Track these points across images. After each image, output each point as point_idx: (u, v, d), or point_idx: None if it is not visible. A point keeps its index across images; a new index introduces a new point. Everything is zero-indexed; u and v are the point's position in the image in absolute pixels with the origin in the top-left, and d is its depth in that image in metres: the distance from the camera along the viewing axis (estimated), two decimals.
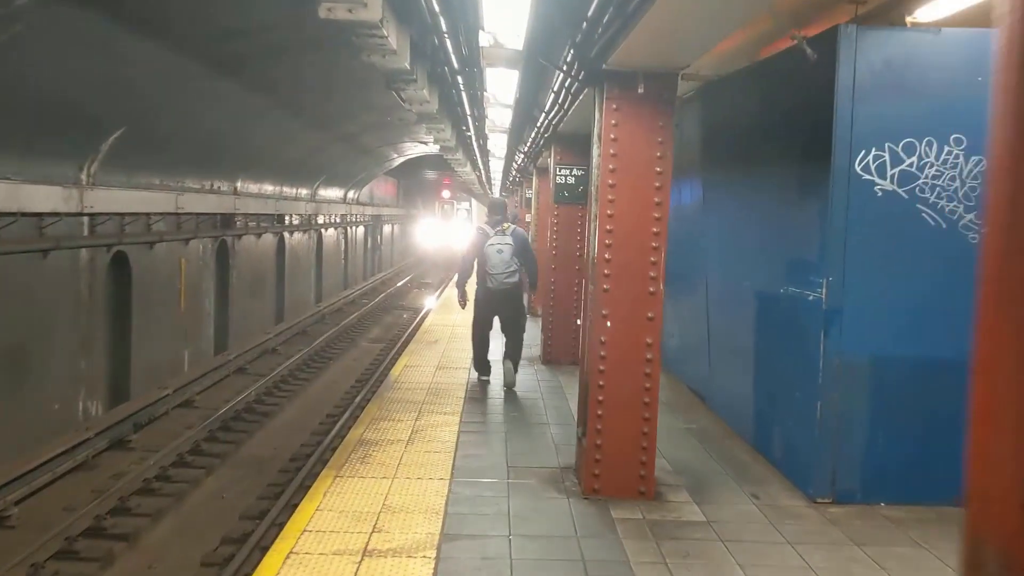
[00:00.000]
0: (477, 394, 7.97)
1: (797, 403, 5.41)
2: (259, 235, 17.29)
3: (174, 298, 12.91)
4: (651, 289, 4.64)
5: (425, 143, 20.82)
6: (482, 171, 25.57)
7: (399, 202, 36.94)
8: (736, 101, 6.73)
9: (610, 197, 4.66)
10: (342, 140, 18.82)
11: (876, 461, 5.12)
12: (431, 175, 36.97)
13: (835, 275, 4.81)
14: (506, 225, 7.95)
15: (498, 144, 15.84)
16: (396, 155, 25.07)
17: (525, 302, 8.61)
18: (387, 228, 35.59)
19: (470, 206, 40.77)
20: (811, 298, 5.03)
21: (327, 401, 13.00)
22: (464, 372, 8.91)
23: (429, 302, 24.13)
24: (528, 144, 11.64)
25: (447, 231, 38.99)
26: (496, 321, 8.35)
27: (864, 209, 4.77)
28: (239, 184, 15.41)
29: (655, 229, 4.64)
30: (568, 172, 8.95)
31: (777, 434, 5.88)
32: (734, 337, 6.80)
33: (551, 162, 9.28)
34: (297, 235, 20.71)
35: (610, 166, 4.65)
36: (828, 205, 4.79)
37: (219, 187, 14.46)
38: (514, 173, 20.35)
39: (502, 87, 10.82)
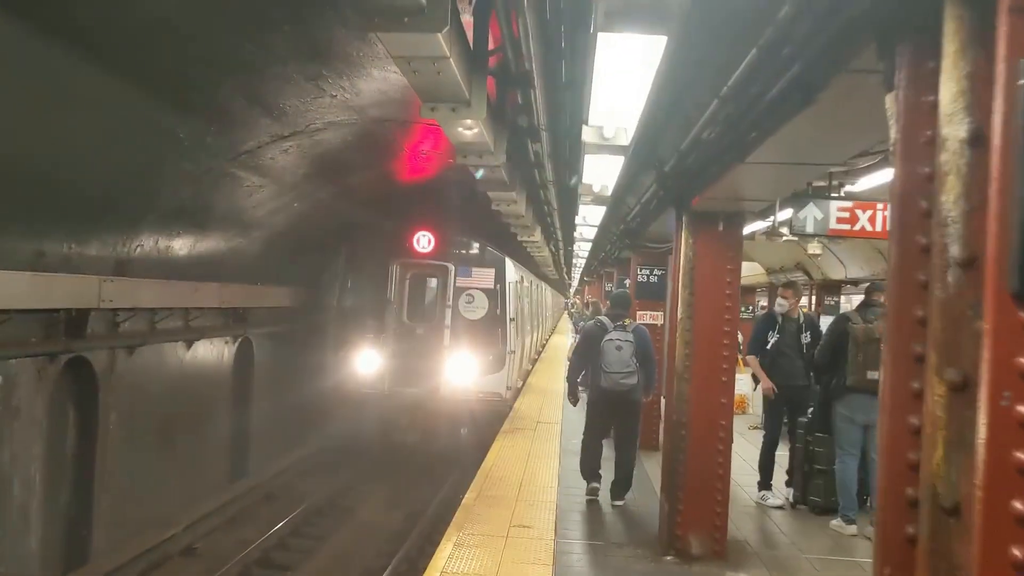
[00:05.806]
0: None
1: None
2: (190, 342, 10.04)
3: None
4: None
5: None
6: (559, 238, 17.24)
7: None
8: None
9: None
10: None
11: None
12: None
13: None
14: (627, 320, 7.38)
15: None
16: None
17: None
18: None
19: (504, 287, 12.01)
20: None
21: None
22: None
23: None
24: (700, 128, 3.88)
25: (431, 355, 11.91)
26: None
27: None
28: (128, 247, 8.26)
29: None
30: None
31: None
32: None
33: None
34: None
35: None
36: None
37: (68, 254, 7.32)
38: (611, 244, 12.52)
39: None
